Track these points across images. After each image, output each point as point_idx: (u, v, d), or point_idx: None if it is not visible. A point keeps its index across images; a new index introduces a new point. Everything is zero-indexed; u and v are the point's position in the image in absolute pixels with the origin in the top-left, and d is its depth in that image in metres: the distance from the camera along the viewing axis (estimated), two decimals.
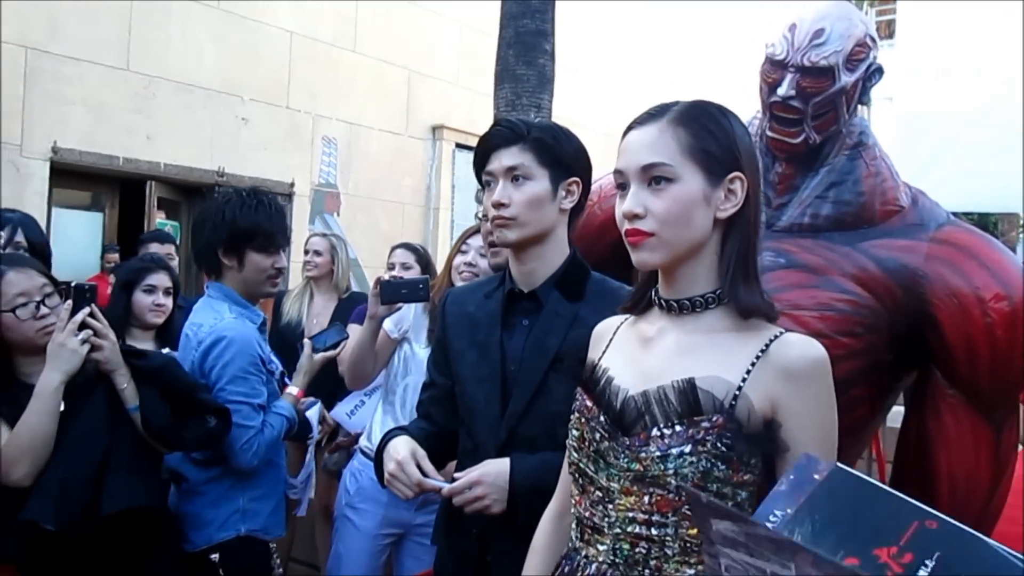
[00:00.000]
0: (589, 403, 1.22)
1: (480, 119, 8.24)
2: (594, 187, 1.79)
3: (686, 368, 1.14)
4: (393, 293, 2.38)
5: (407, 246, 3.22)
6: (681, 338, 1.19)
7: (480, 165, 1.65)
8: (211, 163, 6.94)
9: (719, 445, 1.10)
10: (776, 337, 1.15)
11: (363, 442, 2.71)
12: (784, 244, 1.82)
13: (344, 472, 2.78)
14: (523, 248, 1.62)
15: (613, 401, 1.19)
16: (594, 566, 1.18)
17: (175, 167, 6.72)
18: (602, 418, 1.19)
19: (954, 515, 1.90)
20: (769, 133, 1.86)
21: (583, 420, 1.23)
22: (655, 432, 1.13)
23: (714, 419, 1.11)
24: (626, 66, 10.71)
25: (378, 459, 1.67)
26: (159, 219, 6.87)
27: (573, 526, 1.25)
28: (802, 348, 1.14)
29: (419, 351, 2.61)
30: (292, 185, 7.47)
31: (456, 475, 1.56)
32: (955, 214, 2.02)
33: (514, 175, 1.59)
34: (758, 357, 1.14)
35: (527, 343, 1.60)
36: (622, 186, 1.19)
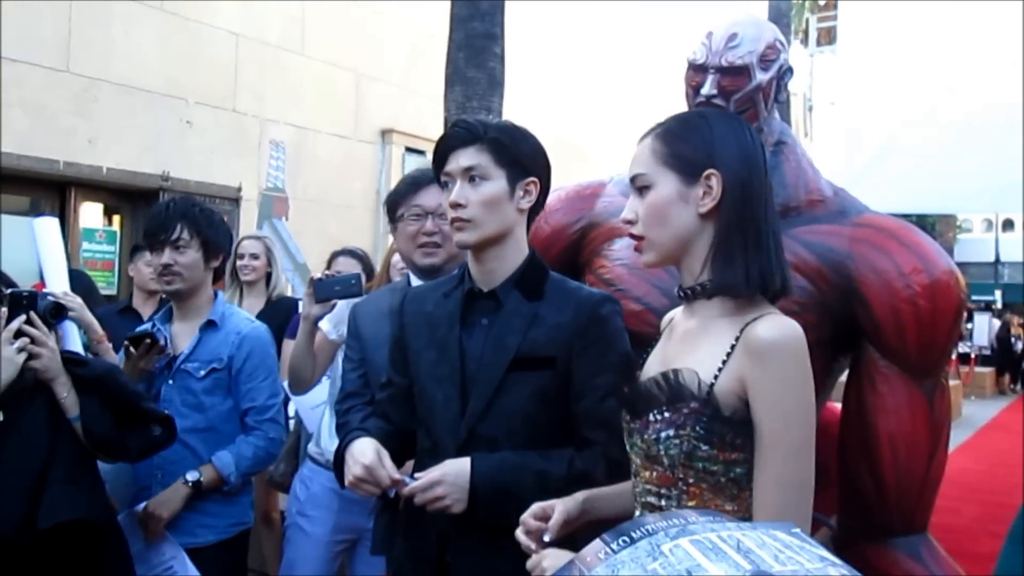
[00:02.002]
0: (626, 389, 1.38)
1: (430, 123, 8.21)
2: None
3: (685, 355, 1.29)
4: (327, 291, 2.37)
5: (350, 253, 3.17)
6: (689, 325, 1.34)
7: (439, 166, 1.66)
8: (155, 167, 6.80)
9: (698, 428, 1.23)
10: (754, 320, 1.25)
11: (312, 448, 2.68)
12: None
13: (294, 480, 2.74)
14: (482, 248, 1.62)
15: (629, 388, 1.36)
16: None
17: (118, 171, 6.57)
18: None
19: (899, 478, 2.00)
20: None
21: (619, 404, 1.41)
22: (650, 417, 1.28)
23: (692, 405, 1.23)
24: (577, 69, 10.78)
25: (338, 460, 1.66)
26: (93, 224, 6.72)
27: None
28: (766, 328, 1.22)
29: None
30: (239, 189, 7.36)
31: (416, 475, 1.56)
32: (895, 215, 2.15)
33: (471, 175, 1.59)
34: (735, 341, 1.24)
35: (487, 342, 1.60)
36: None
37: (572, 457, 1.57)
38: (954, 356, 14.32)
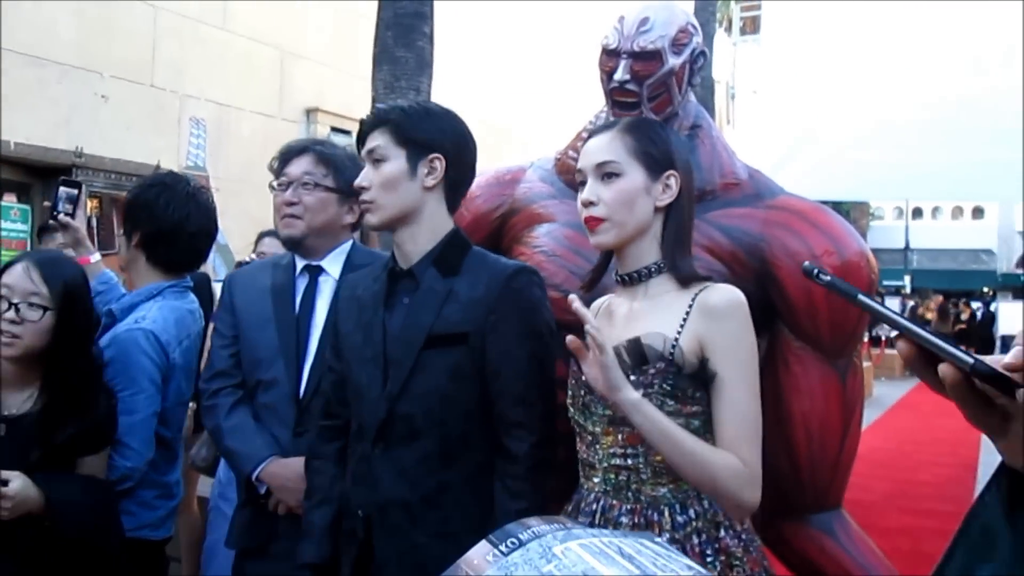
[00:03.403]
0: (576, 367, 1.47)
1: (355, 102, 8.07)
2: None
3: (637, 329, 1.43)
4: None
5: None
6: (634, 305, 1.49)
7: (360, 152, 1.69)
8: (67, 143, 6.54)
9: (664, 386, 1.38)
10: (703, 289, 1.43)
11: None
12: None
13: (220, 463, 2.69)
14: (393, 228, 1.64)
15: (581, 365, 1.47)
16: (592, 495, 1.47)
17: (27, 146, 6.30)
18: (583, 377, 1.43)
19: (813, 456, 2.06)
20: (613, 119, 1.98)
21: (574, 381, 1.50)
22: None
23: (658, 366, 1.39)
24: (506, 50, 10.75)
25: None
26: (7, 202, 6.44)
27: (579, 467, 1.52)
28: (720, 292, 1.43)
29: None
30: (157, 167, 7.11)
31: None
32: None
33: (373, 158, 1.61)
34: (689, 307, 1.41)
35: (404, 321, 1.61)
36: (582, 183, 1.49)
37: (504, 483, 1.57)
38: (866, 339, 14.89)
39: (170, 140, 7.34)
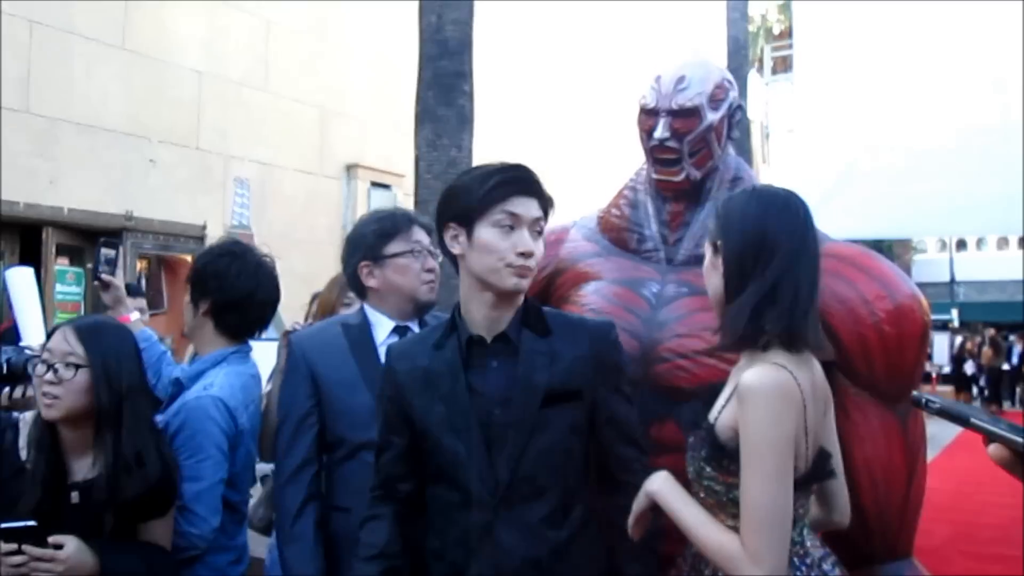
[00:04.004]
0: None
1: (395, 157, 8.22)
2: None
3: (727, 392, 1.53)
4: None
5: None
6: (742, 363, 1.55)
7: (498, 200, 1.60)
8: (118, 207, 6.73)
9: (703, 452, 1.49)
10: (747, 367, 1.46)
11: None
12: (684, 275, 2.02)
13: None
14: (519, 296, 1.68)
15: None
16: None
17: (80, 211, 6.49)
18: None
19: (878, 504, 2.04)
20: (654, 176, 2.06)
21: None
22: (690, 437, 1.56)
23: (700, 433, 1.51)
24: (545, 104, 10.88)
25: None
26: (61, 265, 6.62)
27: None
28: (748, 376, 1.43)
29: None
30: (204, 227, 7.30)
31: None
32: (854, 241, 2.20)
33: (537, 229, 1.64)
34: (736, 386, 1.46)
35: (509, 384, 1.62)
36: None
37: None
38: None
39: (216, 200, 7.52)
